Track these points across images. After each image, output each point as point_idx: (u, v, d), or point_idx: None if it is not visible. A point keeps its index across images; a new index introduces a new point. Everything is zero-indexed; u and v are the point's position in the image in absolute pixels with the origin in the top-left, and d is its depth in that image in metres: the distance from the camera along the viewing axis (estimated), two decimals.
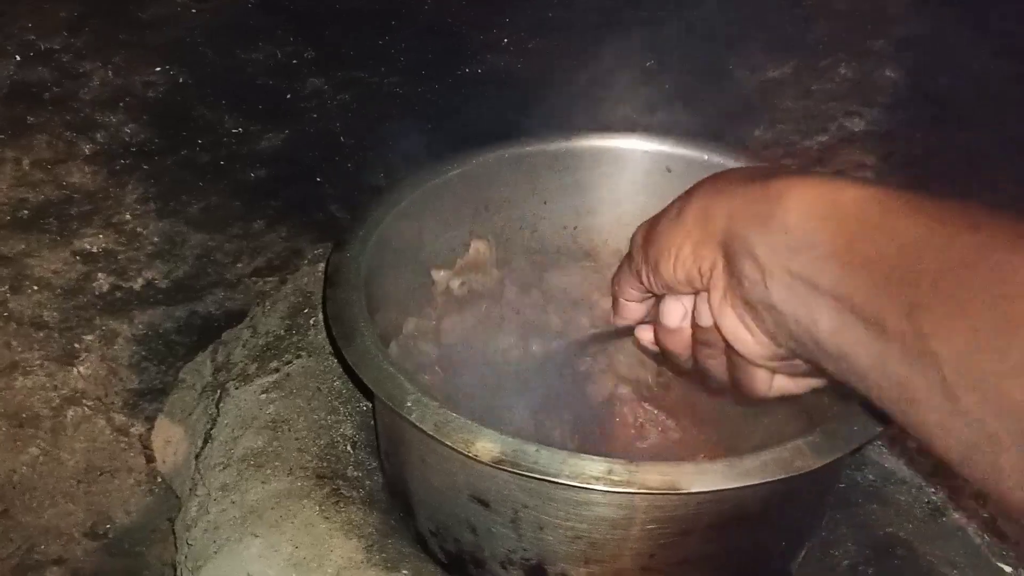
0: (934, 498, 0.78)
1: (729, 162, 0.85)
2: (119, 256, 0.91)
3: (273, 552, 0.70)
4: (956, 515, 0.76)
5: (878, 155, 1.04)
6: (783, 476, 0.53)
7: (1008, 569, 0.72)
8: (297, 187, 0.97)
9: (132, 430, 0.97)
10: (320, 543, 0.70)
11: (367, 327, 0.64)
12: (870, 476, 0.80)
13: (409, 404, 0.58)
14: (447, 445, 0.55)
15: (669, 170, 0.87)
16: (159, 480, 0.98)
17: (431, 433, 0.56)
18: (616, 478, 0.53)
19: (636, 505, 0.57)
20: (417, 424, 0.57)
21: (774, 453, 0.54)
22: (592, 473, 0.53)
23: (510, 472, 0.54)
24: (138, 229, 0.90)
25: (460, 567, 0.68)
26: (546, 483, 0.55)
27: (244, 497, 0.77)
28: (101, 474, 0.97)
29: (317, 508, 0.74)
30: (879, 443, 0.81)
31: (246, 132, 0.92)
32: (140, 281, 0.93)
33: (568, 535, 0.59)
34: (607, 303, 0.85)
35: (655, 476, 0.53)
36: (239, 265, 0.96)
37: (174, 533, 0.87)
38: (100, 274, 0.91)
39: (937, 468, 0.81)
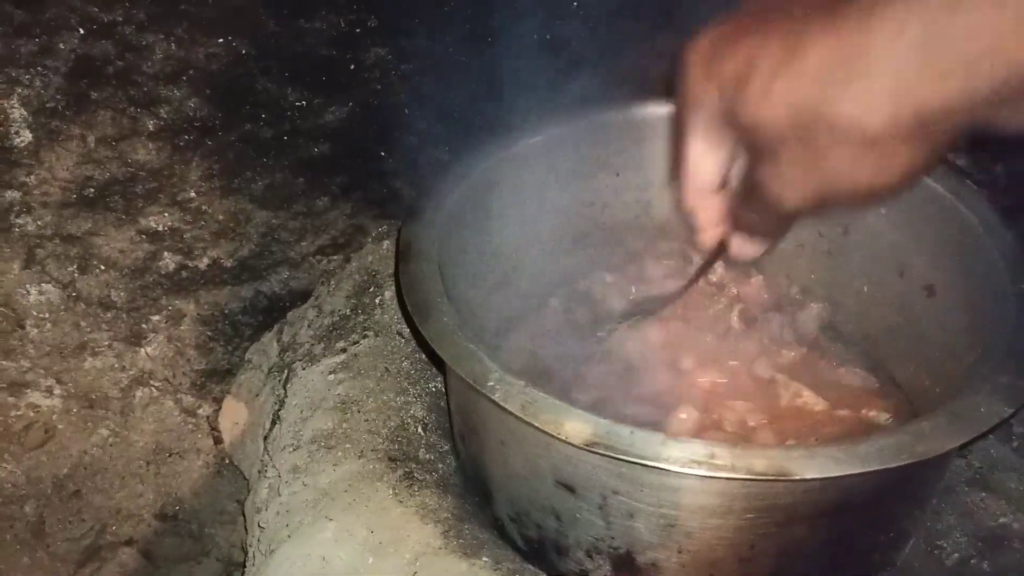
0: None
1: None
2: (185, 235, 0.90)
3: (348, 536, 0.68)
4: None
5: None
6: (904, 463, 0.49)
7: None
8: (360, 162, 0.94)
9: (200, 411, 0.97)
10: (396, 528, 0.68)
11: (444, 302, 0.61)
12: (975, 463, 0.74)
13: (492, 383, 0.54)
14: (535, 427, 0.52)
15: None
16: (227, 461, 0.97)
17: (517, 414, 0.53)
18: (719, 462, 0.49)
19: (736, 492, 0.53)
20: (502, 404, 0.53)
21: (894, 436, 0.50)
22: (693, 457, 0.49)
23: (603, 455, 0.51)
24: (203, 207, 0.89)
25: (541, 554, 0.65)
26: (639, 467, 0.51)
27: (316, 480, 0.75)
28: (170, 455, 0.97)
29: (391, 491, 0.71)
30: None
31: (309, 105, 0.90)
32: (206, 260, 0.91)
33: (661, 523, 0.55)
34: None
35: (762, 461, 0.49)
36: (303, 243, 0.95)
37: (243, 515, 0.87)
38: (166, 253, 0.90)
39: None
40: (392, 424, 0.79)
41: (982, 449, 0.75)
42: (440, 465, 0.76)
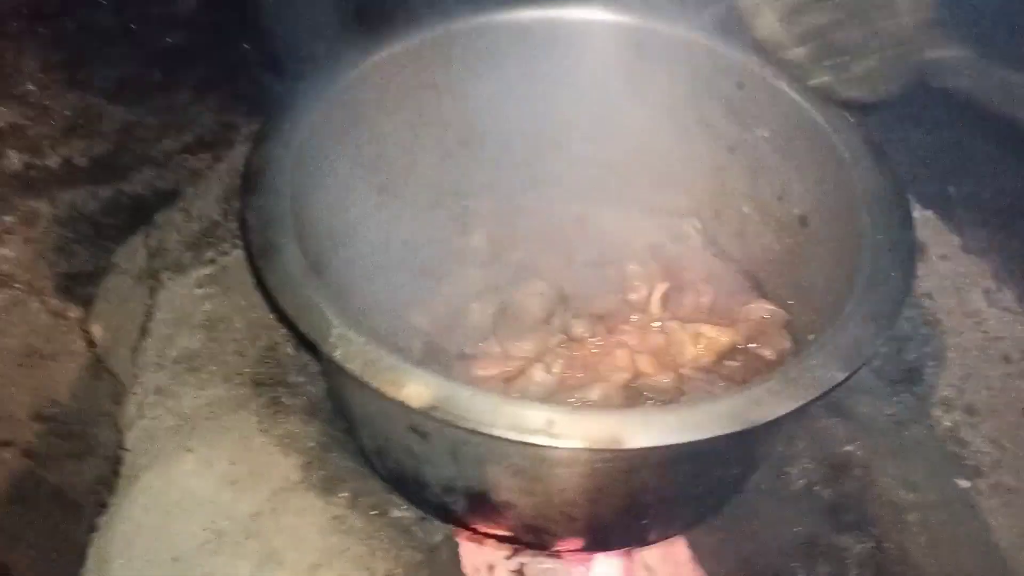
0: (897, 409, 0.75)
1: (715, 43, 0.74)
2: (28, 132, 0.81)
3: (208, 468, 0.67)
4: (917, 428, 0.74)
5: None
6: (737, 429, 0.49)
7: (966, 484, 0.71)
8: (222, 54, 0.85)
9: (69, 314, 0.92)
10: (256, 459, 0.67)
11: (291, 245, 0.57)
12: None
13: (333, 340, 0.52)
14: (374, 389, 0.51)
15: (640, 46, 0.77)
16: (101, 363, 0.94)
17: (357, 374, 0.51)
18: (556, 431, 0.49)
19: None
20: (341, 363, 0.51)
21: (728, 403, 0.50)
22: (531, 425, 0.49)
23: (442, 421, 0.50)
24: (45, 102, 0.80)
25: (403, 486, 0.66)
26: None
27: (179, 403, 0.74)
28: (42, 357, 0.93)
29: (255, 419, 0.71)
30: None
31: None
32: (56, 159, 0.84)
33: (509, 471, 0.56)
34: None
35: (597, 429, 0.49)
36: (166, 141, 0.87)
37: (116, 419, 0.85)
38: (10, 151, 0.82)
39: (905, 375, 0.78)
40: (261, 344, 0.77)
41: None
42: (310, 387, 0.75)
